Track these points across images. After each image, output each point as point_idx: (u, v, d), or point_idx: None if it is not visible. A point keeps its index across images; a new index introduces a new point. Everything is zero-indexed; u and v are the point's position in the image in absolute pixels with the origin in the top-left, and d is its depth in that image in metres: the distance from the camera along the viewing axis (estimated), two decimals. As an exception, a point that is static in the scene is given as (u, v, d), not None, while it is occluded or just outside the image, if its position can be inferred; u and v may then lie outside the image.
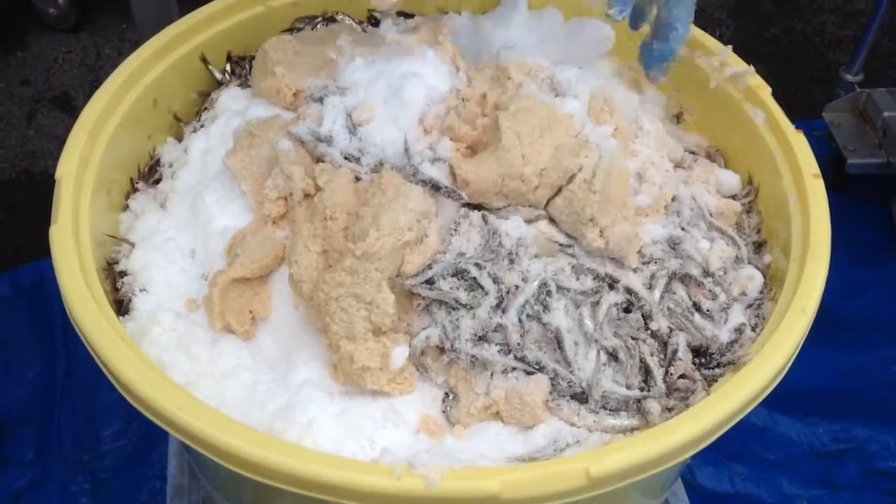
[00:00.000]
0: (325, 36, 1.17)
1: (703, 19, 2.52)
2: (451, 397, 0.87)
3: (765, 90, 1.07)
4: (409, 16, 1.26)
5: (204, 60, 1.17)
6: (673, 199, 1.00)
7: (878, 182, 1.96)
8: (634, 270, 0.94)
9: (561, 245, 0.93)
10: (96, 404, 1.58)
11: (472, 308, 0.87)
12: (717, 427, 0.78)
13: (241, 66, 1.19)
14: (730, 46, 1.12)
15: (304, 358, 0.90)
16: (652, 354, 0.88)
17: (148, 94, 1.08)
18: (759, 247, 1.04)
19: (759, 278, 0.98)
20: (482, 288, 0.87)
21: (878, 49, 2.31)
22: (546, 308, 0.88)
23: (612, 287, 0.91)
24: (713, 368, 0.89)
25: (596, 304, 0.90)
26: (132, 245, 1.00)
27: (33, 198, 2.00)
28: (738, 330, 0.93)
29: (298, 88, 1.07)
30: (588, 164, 0.91)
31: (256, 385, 0.88)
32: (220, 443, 0.74)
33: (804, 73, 2.40)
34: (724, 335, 0.92)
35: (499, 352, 0.86)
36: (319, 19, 1.23)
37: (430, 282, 0.88)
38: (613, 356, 0.87)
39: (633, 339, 0.89)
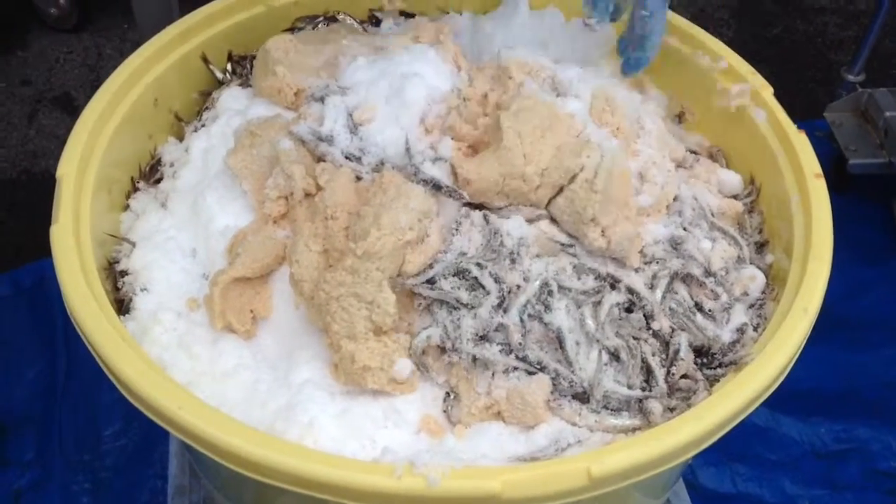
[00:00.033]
0: (327, 35, 1.17)
1: (705, 19, 2.52)
2: (452, 397, 0.87)
3: (766, 90, 1.07)
4: (410, 15, 1.26)
5: (205, 60, 1.17)
6: (675, 199, 1.00)
7: (880, 182, 1.95)
8: (636, 270, 0.94)
9: (562, 245, 0.93)
10: (97, 404, 1.58)
11: (473, 308, 0.87)
12: (719, 427, 0.78)
13: (242, 66, 1.19)
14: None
15: (304, 357, 0.89)
16: (654, 354, 0.88)
17: (149, 94, 1.08)
18: (761, 247, 1.04)
19: (761, 278, 0.98)
20: (483, 287, 0.87)
21: (880, 49, 2.31)
22: (547, 308, 0.88)
23: (613, 287, 0.91)
24: (715, 368, 0.89)
25: (597, 303, 0.90)
26: (133, 244, 1.00)
27: (34, 198, 2.00)
28: (740, 330, 0.92)
29: (299, 88, 1.07)
30: (590, 163, 0.91)
31: (257, 384, 0.88)
32: (221, 442, 0.74)
33: (806, 73, 2.40)
34: (726, 335, 0.92)
35: (500, 351, 0.86)
36: (320, 19, 1.23)
37: (431, 281, 0.88)
38: (615, 356, 0.87)
39: (634, 339, 0.89)
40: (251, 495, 0.97)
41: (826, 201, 0.95)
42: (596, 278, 0.91)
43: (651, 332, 0.90)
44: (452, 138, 0.97)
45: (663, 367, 0.88)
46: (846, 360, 1.70)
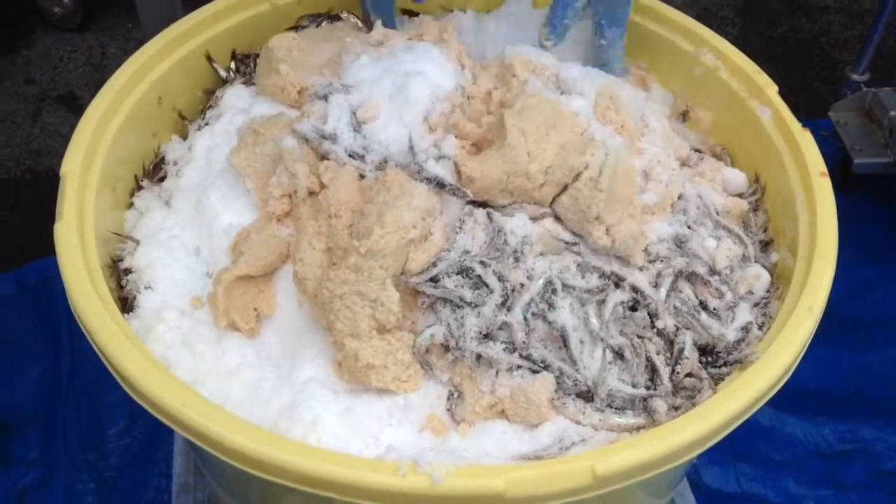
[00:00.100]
0: (330, 33, 1.17)
1: (709, 18, 2.52)
2: (456, 395, 0.87)
3: (771, 88, 1.07)
4: (413, 14, 1.26)
5: (209, 58, 1.17)
6: (679, 198, 1.00)
7: (885, 182, 1.95)
8: (640, 269, 0.93)
9: (566, 243, 0.93)
10: (101, 403, 1.58)
11: (477, 306, 0.86)
12: (723, 426, 0.78)
13: (245, 64, 1.19)
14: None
15: (308, 356, 0.89)
16: (658, 353, 0.88)
17: (153, 92, 1.08)
18: (765, 245, 1.03)
19: (765, 277, 0.97)
20: (487, 286, 0.87)
21: (885, 48, 2.30)
22: (551, 306, 0.88)
23: (617, 285, 0.91)
24: (720, 367, 0.89)
25: (602, 302, 0.89)
26: (137, 242, 1.00)
27: (38, 196, 2.00)
28: (745, 329, 0.92)
29: (303, 86, 1.07)
30: (594, 162, 0.91)
31: (261, 383, 0.88)
32: (226, 440, 0.74)
33: (810, 72, 2.40)
34: (731, 334, 0.92)
35: (504, 350, 0.85)
36: (324, 17, 1.23)
37: (434, 280, 0.88)
38: (619, 355, 0.87)
39: (639, 337, 0.88)
40: (256, 493, 0.97)
41: (831, 200, 0.95)
42: (600, 277, 0.91)
43: (655, 330, 0.89)
44: (456, 136, 0.97)
45: (668, 365, 0.88)
46: (851, 360, 1.69)
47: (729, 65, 1.11)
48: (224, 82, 1.18)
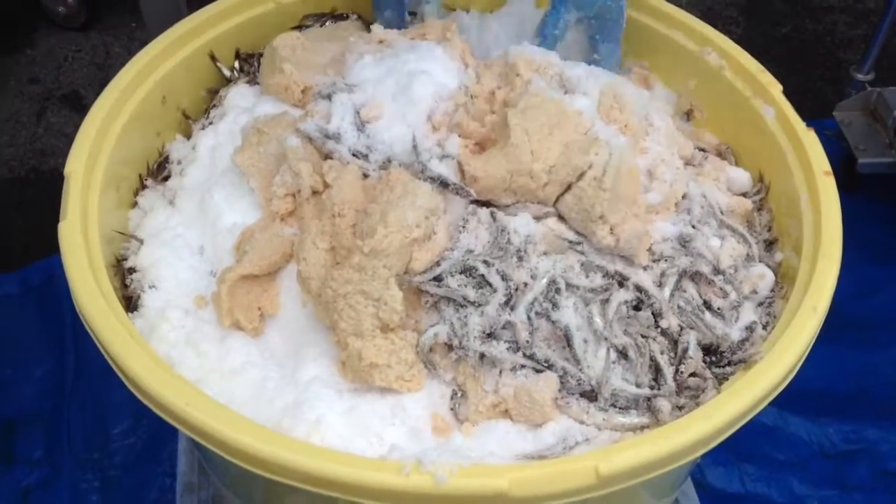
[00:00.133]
0: (334, 33, 1.17)
1: (713, 18, 2.52)
2: (459, 395, 0.87)
3: (775, 87, 1.07)
4: (416, 14, 1.26)
5: (213, 58, 1.17)
6: (683, 197, 1.00)
7: (890, 181, 1.94)
8: (644, 268, 0.93)
9: (570, 242, 0.92)
10: (106, 402, 1.58)
11: (480, 305, 0.86)
12: (727, 426, 0.77)
13: (249, 64, 1.19)
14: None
15: (312, 355, 0.89)
16: (662, 352, 0.88)
17: (157, 92, 1.08)
18: (770, 245, 1.03)
19: (770, 276, 0.97)
20: (490, 285, 0.87)
21: (889, 48, 2.29)
22: (555, 305, 0.88)
23: (621, 285, 0.91)
24: (724, 367, 0.88)
25: (605, 301, 0.89)
26: (141, 242, 1.00)
27: (42, 196, 2.00)
28: (749, 328, 0.92)
29: (307, 85, 1.07)
30: (598, 161, 0.90)
31: (265, 382, 0.88)
32: (230, 439, 0.74)
33: (815, 72, 2.39)
34: (735, 333, 0.92)
35: (507, 349, 0.85)
36: (328, 16, 1.23)
37: (438, 279, 0.88)
38: (623, 354, 0.87)
39: (643, 337, 0.88)
40: (259, 492, 0.97)
41: (835, 199, 0.95)
42: (604, 276, 0.91)
43: (659, 330, 0.89)
44: (460, 135, 0.97)
45: (672, 365, 0.87)
46: (855, 360, 1.69)
47: (733, 64, 1.11)
48: (228, 81, 1.18)
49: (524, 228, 0.91)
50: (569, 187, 0.92)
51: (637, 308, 0.91)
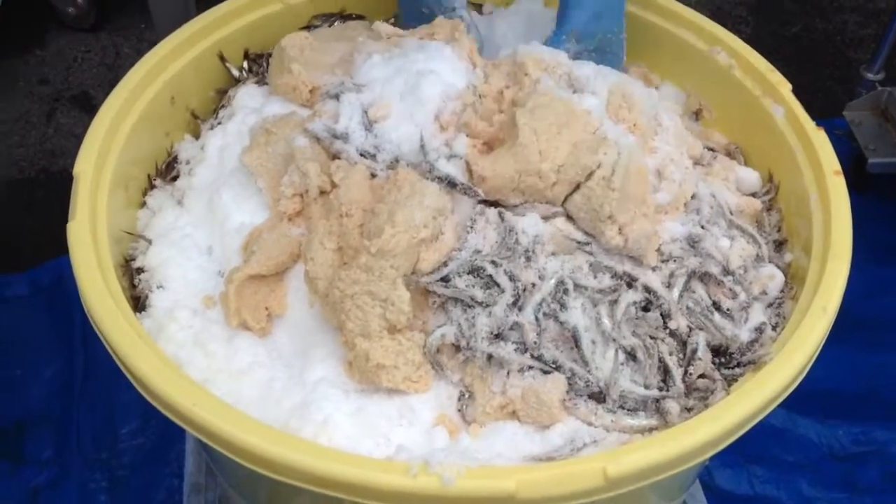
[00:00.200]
0: (342, 33, 1.17)
1: (723, 17, 2.51)
2: (467, 396, 0.87)
3: (785, 86, 1.06)
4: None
5: (221, 58, 1.17)
6: (692, 197, 0.99)
7: (900, 181, 1.94)
8: (653, 269, 0.93)
9: (578, 243, 0.92)
10: (114, 402, 1.59)
11: (488, 306, 0.86)
12: (736, 427, 0.77)
13: (258, 64, 1.19)
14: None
15: (319, 355, 0.89)
16: (671, 354, 0.88)
17: (166, 92, 1.09)
18: (779, 245, 1.03)
19: (779, 277, 0.97)
20: (498, 286, 0.87)
21: (900, 47, 2.28)
22: (563, 306, 0.87)
23: (630, 285, 0.90)
24: (733, 368, 0.88)
25: (614, 302, 0.89)
26: (149, 242, 1.00)
27: (52, 196, 2.01)
28: (759, 329, 0.92)
29: (315, 85, 1.07)
30: (607, 161, 0.90)
31: (272, 382, 0.88)
32: (237, 440, 0.74)
33: (825, 71, 2.38)
34: (745, 334, 0.91)
35: (515, 350, 0.85)
36: (336, 16, 1.23)
37: (445, 279, 0.88)
38: (632, 355, 0.87)
39: (651, 338, 0.88)
40: (266, 493, 0.97)
41: (845, 198, 0.94)
42: (612, 277, 0.90)
43: (668, 331, 0.89)
44: (468, 135, 0.96)
45: (680, 366, 0.87)
46: (865, 361, 1.68)
47: (742, 63, 1.11)
48: (237, 82, 1.18)
49: (532, 228, 0.91)
50: (577, 187, 0.91)
51: (646, 309, 0.90)
